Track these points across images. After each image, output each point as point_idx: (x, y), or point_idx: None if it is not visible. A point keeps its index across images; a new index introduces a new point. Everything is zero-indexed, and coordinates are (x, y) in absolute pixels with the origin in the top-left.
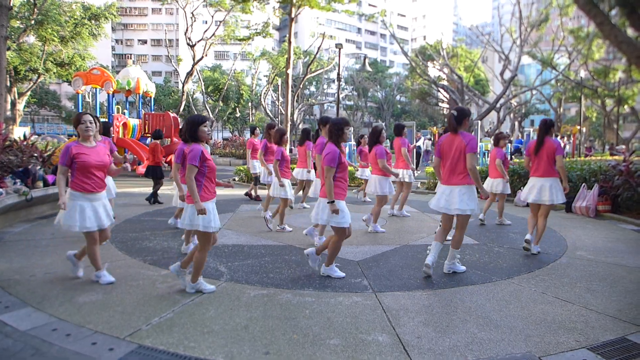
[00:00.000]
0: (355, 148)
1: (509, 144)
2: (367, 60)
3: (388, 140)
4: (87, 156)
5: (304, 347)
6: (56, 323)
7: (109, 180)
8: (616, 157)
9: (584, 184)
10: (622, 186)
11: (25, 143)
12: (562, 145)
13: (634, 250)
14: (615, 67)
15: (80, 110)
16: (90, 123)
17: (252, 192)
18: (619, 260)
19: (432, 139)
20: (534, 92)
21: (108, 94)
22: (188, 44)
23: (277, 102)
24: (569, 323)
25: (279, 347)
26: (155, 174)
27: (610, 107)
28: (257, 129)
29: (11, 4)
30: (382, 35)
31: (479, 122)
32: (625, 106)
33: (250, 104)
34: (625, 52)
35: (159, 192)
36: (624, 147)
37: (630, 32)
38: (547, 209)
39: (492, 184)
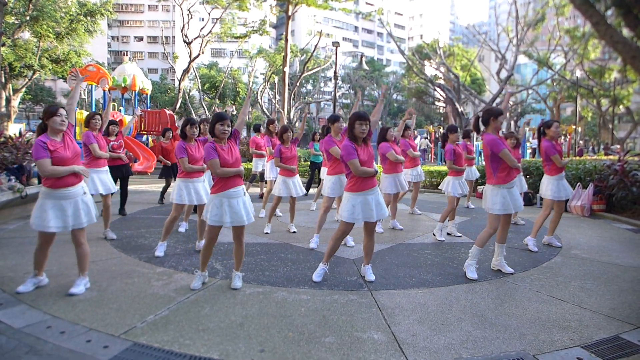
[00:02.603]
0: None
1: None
2: (363, 59)
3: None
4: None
5: (299, 344)
6: (50, 320)
7: (99, 174)
8: (611, 157)
9: (579, 183)
10: (617, 185)
11: (20, 140)
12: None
13: (628, 250)
14: (611, 67)
15: (75, 107)
16: (66, 118)
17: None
18: (613, 259)
19: (429, 137)
20: (530, 91)
21: (104, 91)
22: (184, 41)
23: (273, 100)
24: (563, 321)
25: (274, 344)
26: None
27: (606, 107)
28: (262, 127)
29: (6, 0)
30: (379, 34)
31: None
32: (621, 106)
33: None
34: (620, 52)
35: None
36: (618, 146)
37: (625, 32)
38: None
39: None
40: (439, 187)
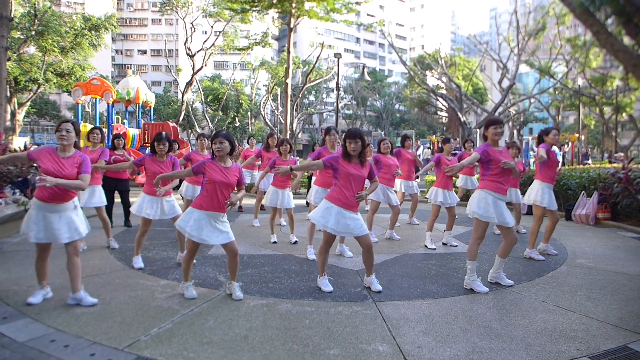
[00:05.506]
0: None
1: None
2: (365, 70)
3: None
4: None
5: (303, 357)
6: (54, 334)
7: (95, 189)
8: (615, 165)
9: (583, 191)
10: (622, 194)
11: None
12: (562, 153)
13: (634, 258)
14: (613, 75)
15: (79, 120)
16: (67, 132)
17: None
18: (619, 268)
19: (431, 147)
20: (532, 100)
21: (108, 104)
22: (187, 54)
23: (276, 111)
24: (569, 332)
25: (278, 357)
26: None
27: (609, 115)
28: (252, 138)
29: (12, 15)
30: (381, 45)
31: (478, 130)
32: (624, 114)
33: (249, 113)
34: (621, 61)
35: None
36: (622, 154)
37: (626, 40)
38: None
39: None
40: (426, 196)
